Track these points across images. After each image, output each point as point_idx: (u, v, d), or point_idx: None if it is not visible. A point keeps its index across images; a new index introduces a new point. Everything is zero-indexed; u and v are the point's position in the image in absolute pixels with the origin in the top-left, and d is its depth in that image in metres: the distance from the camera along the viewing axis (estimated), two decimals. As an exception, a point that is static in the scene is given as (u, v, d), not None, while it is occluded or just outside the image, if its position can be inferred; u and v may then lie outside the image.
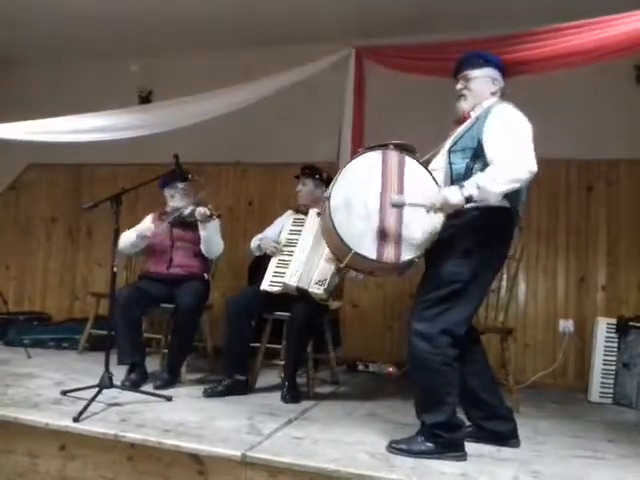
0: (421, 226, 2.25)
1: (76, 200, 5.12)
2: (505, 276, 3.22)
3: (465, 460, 2.22)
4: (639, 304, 3.85)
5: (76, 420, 2.39)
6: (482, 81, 2.46)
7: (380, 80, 3.69)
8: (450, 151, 2.37)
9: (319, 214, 2.43)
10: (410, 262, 2.26)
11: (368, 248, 2.21)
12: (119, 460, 2.26)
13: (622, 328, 3.54)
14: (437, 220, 2.24)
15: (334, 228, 2.20)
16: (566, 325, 3.97)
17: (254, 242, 3.43)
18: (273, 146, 4.56)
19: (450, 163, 2.35)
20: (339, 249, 2.30)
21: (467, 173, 2.28)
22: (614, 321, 3.59)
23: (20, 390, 2.94)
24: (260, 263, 3.56)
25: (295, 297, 3.15)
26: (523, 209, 2.40)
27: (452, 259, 2.25)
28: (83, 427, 2.36)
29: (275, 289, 3.19)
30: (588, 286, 3.99)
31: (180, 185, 3.54)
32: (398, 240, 2.24)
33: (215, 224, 3.45)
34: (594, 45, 2.88)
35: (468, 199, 2.12)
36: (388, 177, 2.28)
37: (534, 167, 2.15)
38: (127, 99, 4.51)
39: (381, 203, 2.25)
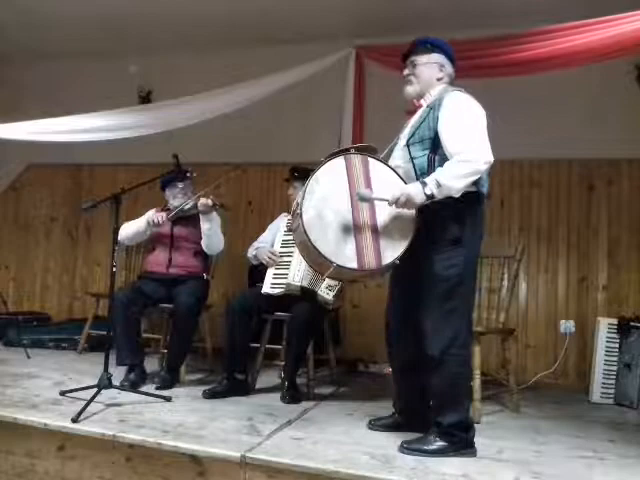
0: (396, 225, 2.24)
1: (76, 200, 5.13)
2: (506, 276, 3.20)
3: (475, 456, 2.24)
4: (640, 304, 3.85)
5: (75, 421, 2.38)
6: (429, 67, 2.45)
7: (380, 80, 3.68)
8: (408, 144, 2.35)
9: (289, 230, 2.39)
10: (392, 264, 2.23)
11: (348, 258, 2.18)
12: (118, 461, 2.25)
13: (623, 328, 3.53)
14: (410, 216, 2.23)
15: (311, 243, 2.16)
16: (567, 325, 3.96)
17: (250, 252, 3.43)
18: (273, 146, 4.56)
19: (412, 158, 2.33)
20: (318, 263, 2.26)
21: (430, 165, 2.28)
22: (615, 321, 3.58)
23: (19, 390, 2.94)
24: (260, 263, 3.55)
25: (295, 297, 3.15)
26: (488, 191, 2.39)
27: (442, 253, 2.24)
28: (82, 427, 2.35)
29: (277, 291, 3.18)
30: (589, 286, 3.98)
31: (180, 185, 3.54)
32: (376, 245, 2.22)
33: (217, 218, 3.44)
34: (594, 45, 2.88)
35: (430, 197, 2.15)
36: (354, 181, 2.27)
37: (490, 157, 2.18)
38: (127, 99, 4.51)
39: (352, 208, 2.24)
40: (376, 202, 2.24)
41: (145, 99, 4.88)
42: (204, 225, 3.39)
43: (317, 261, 2.25)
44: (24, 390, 2.95)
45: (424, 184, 2.16)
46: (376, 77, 3.71)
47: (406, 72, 2.49)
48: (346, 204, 2.24)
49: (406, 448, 2.25)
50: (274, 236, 3.42)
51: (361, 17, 4.05)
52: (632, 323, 3.51)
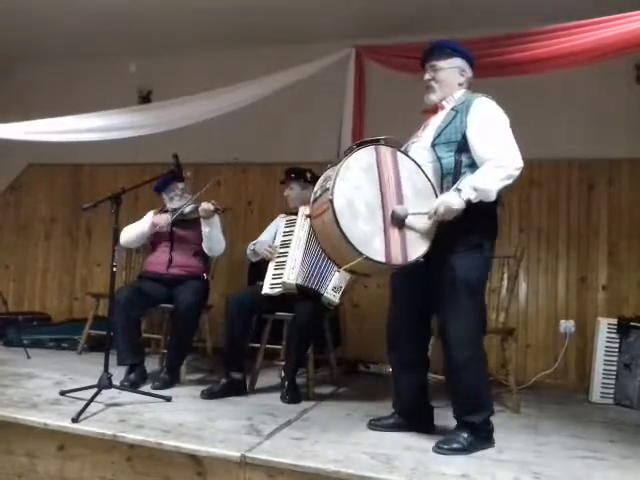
0: (422, 223, 2.24)
1: (76, 200, 5.12)
2: (506, 276, 3.21)
3: (493, 445, 2.36)
4: (640, 304, 3.85)
5: (75, 420, 2.38)
6: (450, 72, 2.45)
7: (380, 80, 3.68)
8: (434, 145, 2.36)
9: (309, 217, 2.33)
10: (415, 262, 2.22)
11: (376, 251, 2.14)
12: (118, 461, 2.25)
13: (623, 328, 3.53)
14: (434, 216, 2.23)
15: (341, 232, 2.10)
16: (567, 325, 3.96)
17: (249, 248, 3.42)
18: (273, 146, 4.56)
19: (439, 158, 2.34)
20: (343, 253, 2.18)
21: (457, 167, 2.31)
22: (615, 321, 3.58)
23: (19, 390, 2.93)
24: (260, 263, 3.55)
25: (296, 297, 3.14)
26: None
27: (465, 257, 2.27)
28: (82, 427, 2.35)
29: (276, 291, 3.18)
30: (589, 286, 3.98)
31: (180, 185, 3.54)
32: (403, 241, 2.20)
33: (217, 221, 3.44)
34: (594, 45, 2.88)
35: (467, 203, 2.17)
36: (384, 173, 2.24)
37: (521, 163, 2.23)
38: (127, 99, 4.51)
39: (382, 201, 2.21)
40: (404, 195, 2.22)
41: (145, 99, 4.89)
42: (205, 228, 3.39)
43: (340, 250, 2.17)
44: (24, 390, 2.95)
45: (459, 191, 2.18)
46: (376, 77, 3.71)
47: (427, 77, 2.49)
48: (377, 197, 2.20)
49: (446, 449, 2.26)
50: (272, 237, 3.42)
51: (361, 17, 4.05)
52: (632, 323, 3.50)
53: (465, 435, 2.29)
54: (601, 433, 2.78)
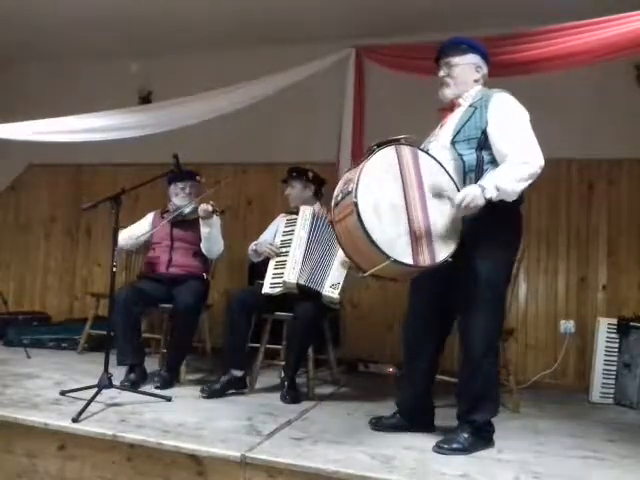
0: (447, 223, 2.20)
1: (76, 200, 5.12)
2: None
3: (493, 447, 2.35)
4: (640, 304, 3.85)
5: (75, 420, 2.38)
6: (465, 68, 2.43)
7: (380, 80, 3.68)
8: (454, 142, 2.33)
9: (331, 222, 2.25)
10: (444, 262, 2.17)
11: (404, 253, 2.08)
12: (118, 460, 2.25)
13: (623, 328, 3.53)
14: (458, 216, 2.21)
15: (367, 235, 2.03)
16: (567, 325, 3.97)
17: (250, 248, 3.42)
18: (273, 146, 4.56)
19: (460, 155, 2.31)
20: (368, 257, 2.12)
21: (479, 164, 2.29)
22: (615, 321, 3.58)
23: (19, 390, 2.94)
24: (260, 263, 3.55)
25: (296, 297, 3.15)
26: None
27: (489, 257, 2.25)
28: (82, 427, 2.35)
29: (276, 290, 3.18)
30: (589, 286, 3.98)
31: (180, 185, 3.55)
32: (429, 242, 2.15)
33: (217, 222, 3.45)
34: (595, 45, 2.88)
35: (488, 201, 2.14)
36: (406, 173, 2.19)
37: (543, 161, 2.21)
38: (127, 99, 4.51)
39: (406, 201, 2.15)
40: (427, 198, 2.18)
41: (145, 99, 4.88)
42: (204, 229, 3.40)
43: (365, 253, 2.11)
44: (24, 390, 2.95)
45: (483, 188, 2.14)
46: (376, 77, 3.71)
47: (441, 74, 2.46)
48: (400, 197, 2.15)
49: (446, 449, 2.25)
50: (273, 236, 3.42)
51: (361, 17, 4.05)
52: (632, 323, 3.51)
53: (466, 435, 2.29)
54: (601, 433, 2.78)
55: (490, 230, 2.23)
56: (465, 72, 2.43)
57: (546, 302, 4.05)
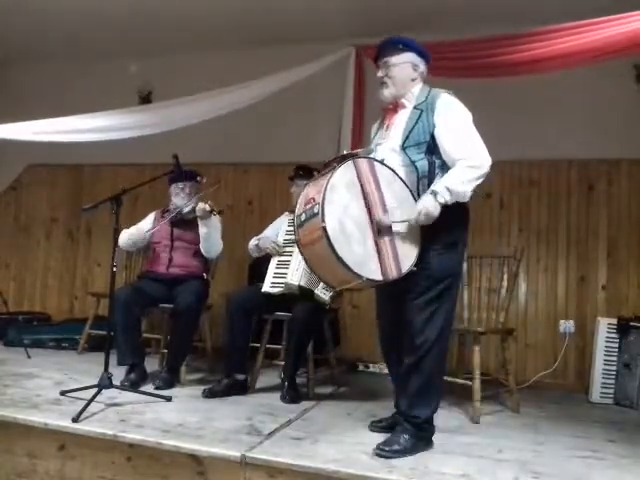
0: (407, 233, 2.24)
1: (76, 200, 5.13)
2: (505, 276, 3.21)
3: (432, 448, 2.33)
4: (640, 304, 3.85)
5: (75, 420, 2.38)
6: (403, 67, 2.42)
7: (380, 80, 3.67)
8: (404, 148, 2.33)
9: (297, 242, 2.23)
10: (409, 271, 2.22)
11: (373, 270, 2.13)
12: (118, 460, 2.26)
13: (623, 328, 3.53)
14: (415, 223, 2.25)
15: (338, 259, 2.05)
16: (567, 325, 3.97)
17: (252, 243, 3.42)
18: (273, 146, 4.56)
19: (412, 162, 2.31)
20: (339, 276, 2.15)
21: (431, 169, 2.30)
22: (615, 321, 3.58)
23: (19, 390, 2.94)
24: (260, 262, 3.56)
25: (296, 297, 3.15)
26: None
27: (441, 255, 2.28)
28: (82, 427, 2.35)
29: (276, 290, 3.18)
30: (588, 286, 3.98)
31: (180, 185, 3.55)
32: (395, 253, 2.20)
33: (215, 222, 3.45)
34: (594, 45, 2.88)
35: (443, 205, 2.19)
36: (368, 190, 2.21)
37: (490, 160, 2.24)
38: (127, 99, 4.51)
39: (370, 216, 2.18)
40: (389, 209, 2.21)
41: (145, 99, 4.89)
42: (202, 229, 3.40)
43: (337, 273, 2.13)
44: (24, 390, 2.95)
45: (435, 194, 2.19)
46: (376, 77, 3.70)
47: (380, 74, 2.47)
48: (364, 213, 2.17)
49: (387, 451, 2.22)
50: (276, 234, 3.42)
51: (361, 17, 4.05)
52: (632, 323, 3.51)
53: (406, 436, 2.27)
54: (600, 433, 2.78)
55: (440, 229, 2.26)
56: (403, 71, 2.42)
57: (546, 302, 4.05)
